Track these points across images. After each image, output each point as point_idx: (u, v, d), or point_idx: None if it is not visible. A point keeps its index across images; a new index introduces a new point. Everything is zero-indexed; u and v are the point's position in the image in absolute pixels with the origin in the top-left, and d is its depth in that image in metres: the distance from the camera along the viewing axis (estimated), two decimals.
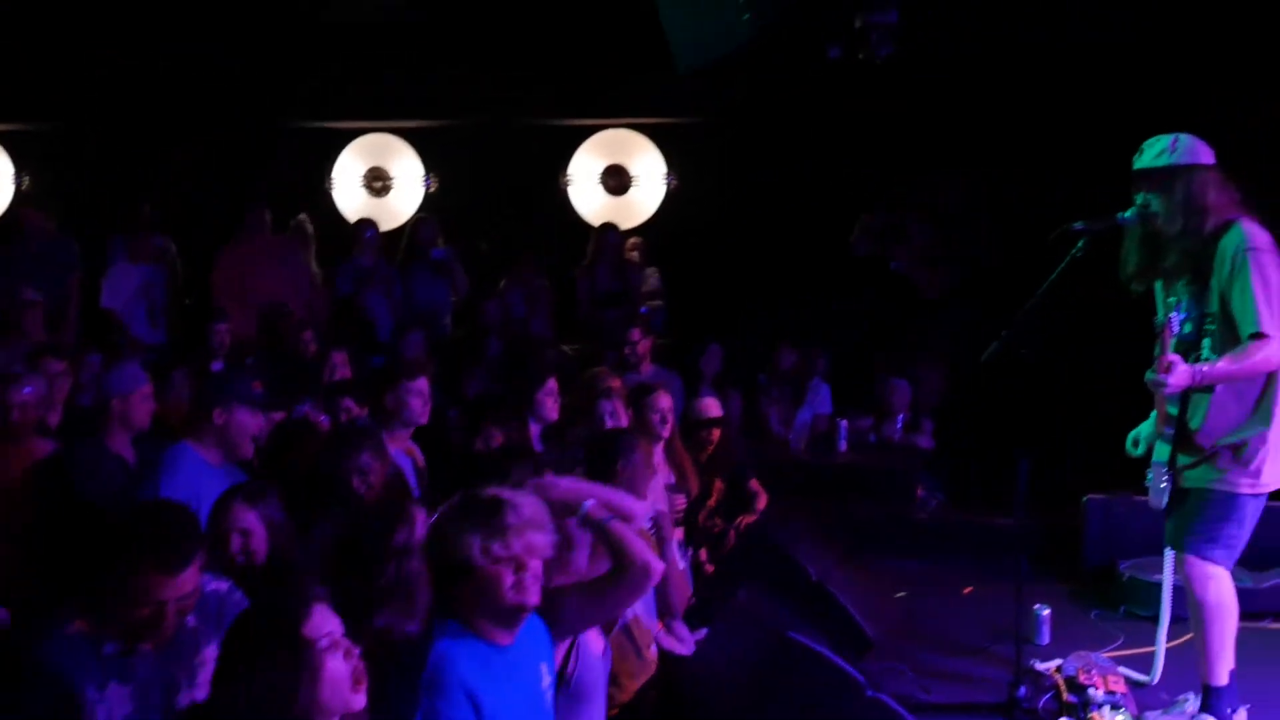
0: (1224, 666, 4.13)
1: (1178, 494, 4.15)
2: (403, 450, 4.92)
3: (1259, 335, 3.86)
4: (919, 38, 7.10)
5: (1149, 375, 4.00)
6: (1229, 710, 4.15)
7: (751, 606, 4.38)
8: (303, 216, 8.63)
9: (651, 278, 9.10)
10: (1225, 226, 3.95)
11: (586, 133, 10.04)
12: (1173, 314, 3.97)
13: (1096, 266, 4.20)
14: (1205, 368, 3.95)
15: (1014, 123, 7.78)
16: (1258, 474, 3.98)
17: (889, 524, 6.35)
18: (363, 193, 10.13)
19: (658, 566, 3.15)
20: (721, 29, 5.81)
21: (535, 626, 2.92)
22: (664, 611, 4.58)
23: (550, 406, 5.48)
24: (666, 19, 5.85)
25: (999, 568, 5.82)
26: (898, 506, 6.48)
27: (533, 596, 2.73)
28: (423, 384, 4.97)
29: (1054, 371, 4.31)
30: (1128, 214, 4.13)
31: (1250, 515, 4.05)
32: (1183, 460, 4.10)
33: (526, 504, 2.77)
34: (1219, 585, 4.09)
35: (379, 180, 10.15)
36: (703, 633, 4.60)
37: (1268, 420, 3.97)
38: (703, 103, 9.11)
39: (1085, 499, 5.94)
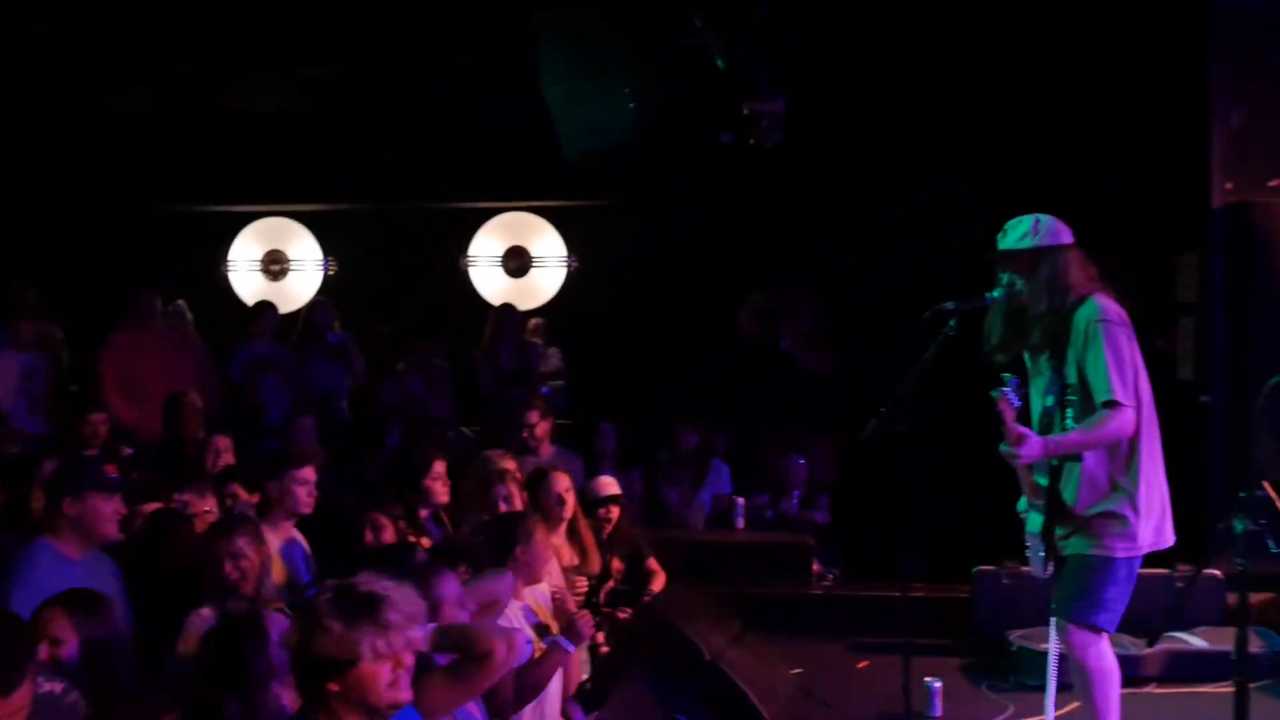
0: None
1: (1059, 562, 4.24)
2: (285, 540, 4.82)
3: (1112, 403, 4.00)
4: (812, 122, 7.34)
5: (1002, 447, 4.12)
6: None
7: (645, 689, 4.35)
8: (180, 302, 8.51)
9: (553, 358, 9.13)
10: (1080, 301, 4.12)
11: (487, 215, 10.10)
12: (1006, 388, 4.05)
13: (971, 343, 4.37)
14: (1057, 439, 4.09)
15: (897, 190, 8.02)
16: (1133, 537, 4.09)
17: (786, 601, 6.38)
18: (260, 276, 10.04)
19: (502, 655, 3.17)
20: (608, 117, 5.94)
21: (407, 715, 2.87)
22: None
23: (439, 491, 5.42)
24: (554, 107, 5.97)
25: (892, 642, 5.93)
26: (795, 583, 6.51)
27: (406, 693, 2.69)
28: (308, 473, 4.88)
29: (937, 445, 4.40)
30: (995, 293, 4.28)
31: (1127, 577, 4.14)
32: (1059, 530, 4.20)
33: (404, 598, 2.73)
34: (1100, 651, 4.17)
35: (276, 264, 10.07)
36: (595, 716, 4.56)
37: (1135, 484, 4.09)
38: (602, 185, 9.25)
39: (974, 571, 6.03)
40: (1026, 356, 4.35)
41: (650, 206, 9.34)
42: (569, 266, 10.07)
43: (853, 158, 7.94)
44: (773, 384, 7.72)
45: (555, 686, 4.26)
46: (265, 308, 8.40)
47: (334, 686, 2.63)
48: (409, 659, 2.68)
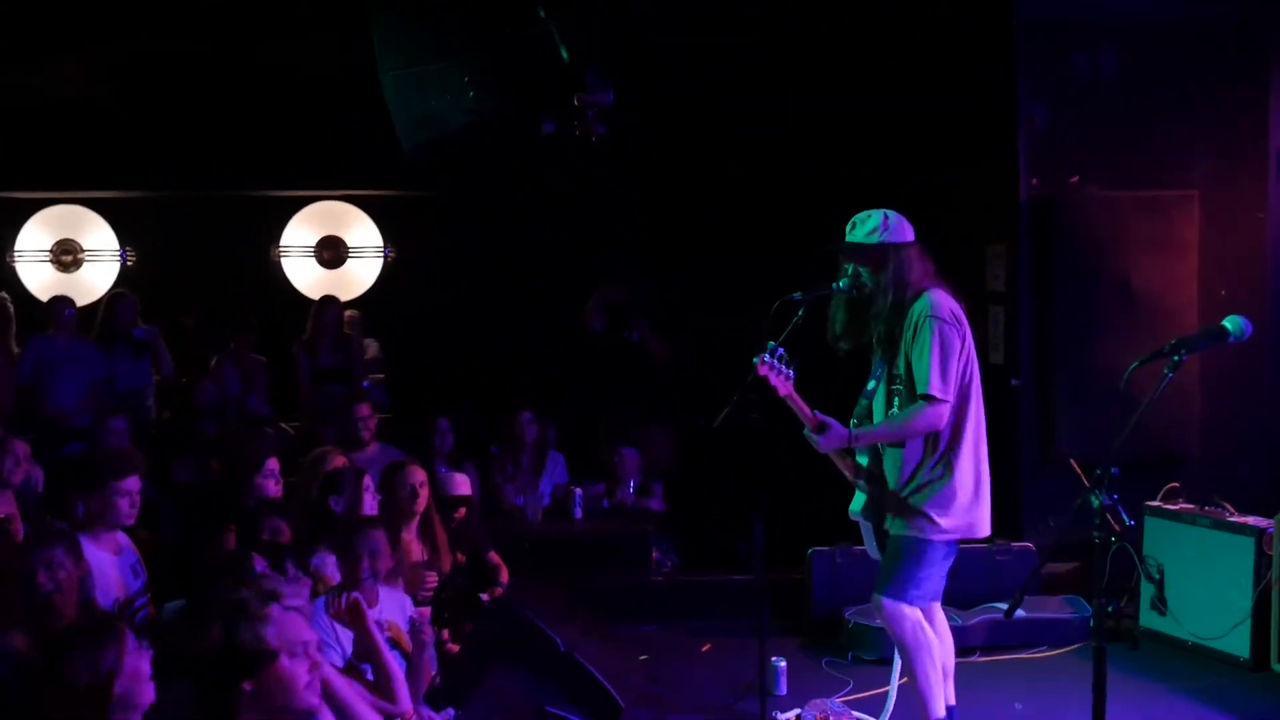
0: (937, 700, 4.38)
1: (883, 541, 4.41)
2: (109, 550, 4.51)
3: (928, 398, 4.19)
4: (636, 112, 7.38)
5: (806, 433, 4.27)
6: None
7: (505, 682, 4.31)
8: (3, 294, 7.90)
9: (371, 349, 8.92)
10: (916, 296, 4.29)
11: (299, 204, 9.76)
12: (765, 354, 4.14)
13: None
14: (864, 430, 4.31)
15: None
16: (944, 523, 4.26)
17: (627, 589, 6.43)
18: (50, 267, 9.40)
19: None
20: (445, 107, 5.82)
21: None
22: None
23: (272, 489, 5.22)
24: (392, 97, 5.80)
25: (733, 624, 6.08)
26: (634, 571, 6.57)
27: (316, 698, 2.59)
28: (132, 482, 4.54)
29: (777, 430, 4.51)
30: (841, 283, 4.41)
31: (939, 559, 4.33)
32: (888, 511, 4.36)
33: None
34: (914, 624, 4.34)
35: (68, 254, 9.45)
36: (449, 713, 4.48)
37: (950, 472, 4.27)
38: (417, 175, 9.06)
39: (810, 551, 6.22)
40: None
41: (469, 196, 9.23)
42: (385, 257, 9.84)
43: (680, 148, 8.03)
44: (615, 374, 7.74)
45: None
46: (60, 302, 7.85)
47: (248, 685, 2.50)
48: (317, 666, 2.59)
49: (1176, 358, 3.17)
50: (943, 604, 4.56)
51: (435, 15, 5.81)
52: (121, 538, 4.72)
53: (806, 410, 4.27)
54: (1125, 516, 3.22)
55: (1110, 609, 5.85)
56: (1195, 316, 6.34)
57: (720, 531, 6.98)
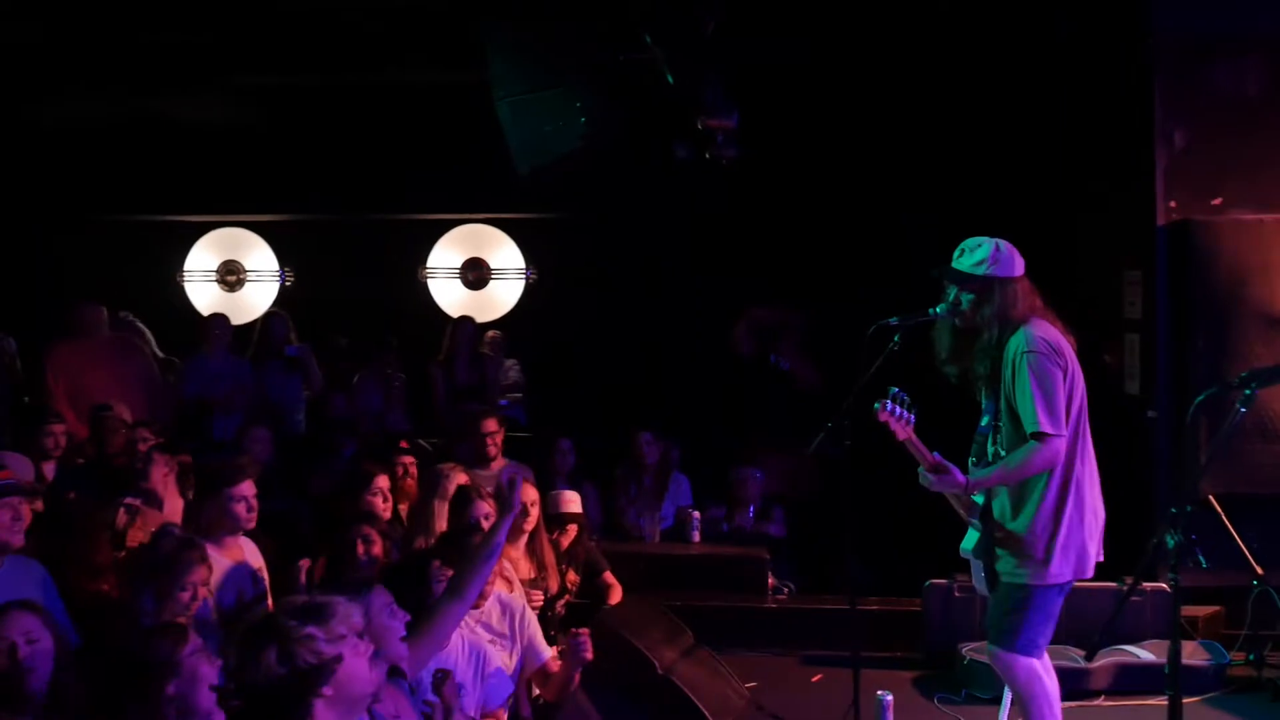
0: None
1: (993, 583, 4.28)
2: (229, 557, 4.77)
3: (1040, 435, 4.04)
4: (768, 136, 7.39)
5: (920, 472, 4.19)
6: None
7: (593, 703, 4.37)
8: (125, 313, 8.44)
9: (511, 370, 9.14)
10: (1014, 330, 4.16)
11: (446, 227, 10.10)
12: (888, 400, 4.06)
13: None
14: (979, 477, 4.19)
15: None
16: (1048, 566, 4.12)
17: (741, 614, 6.41)
18: (216, 287, 9.99)
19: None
20: (558, 131, 5.96)
21: None
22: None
23: (380, 506, 5.40)
24: (504, 121, 5.99)
25: (847, 655, 5.98)
26: (750, 596, 6.55)
27: (380, 673, 2.74)
28: (246, 488, 4.80)
29: (888, 459, 4.44)
30: (940, 308, 4.32)
31: (1047, 606, 4.17)
32: (998, 551, 4.24)
33: (338, 601, 2.78)
34: (1029, 674, 4.20)
35: (233, 274, 10.02)
36: None
37: (1056, 514, 4.12)
38: (561, 198, 9.27)
39: (925, 584, 6.09)
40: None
41: (608, 219, 9.39)
42: (527, 279, 10.08)
43: (809, 173, 8.01)
44: (760, 399, 7.75)
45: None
46: (218, 319, 8.33)
47: (326, 691, 2.64)
48: (370, 643, 2.73)
49: (1249, 391, 3.00)
50: (1069, 644, 4.40)
51: (546, 42, 5.97)
52: (248, 545, 4.99)
53: (926, 452, 4.18)
54: (1202, 559, 3.06)
55: (1250, 657, 5.69)
56: None
57: (836, 560, 6.88)
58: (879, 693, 5.20)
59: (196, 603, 4.04)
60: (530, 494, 5.44)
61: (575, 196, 9.05)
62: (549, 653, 4.65)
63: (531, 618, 4.73)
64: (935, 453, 4.18)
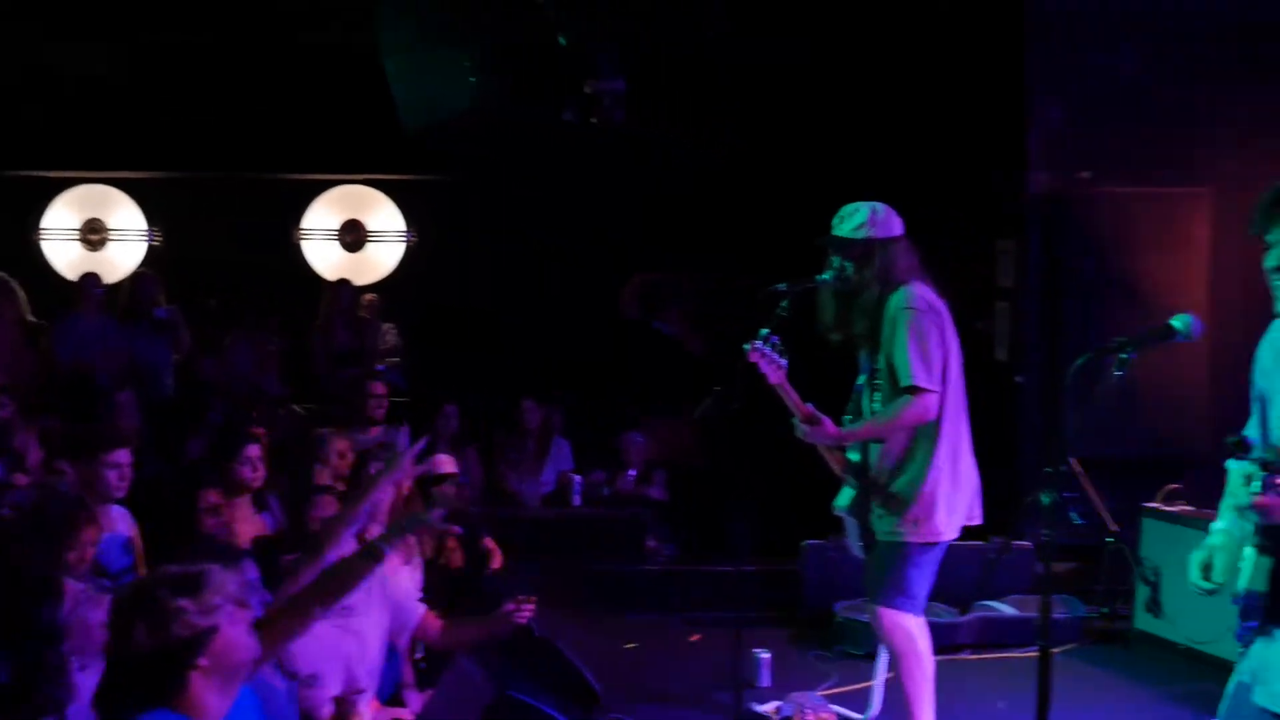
0: (924, 711, 4.31)
1: (871, 541, 4.36)
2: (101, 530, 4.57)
3: (913, 389, 4.12)
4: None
5: (794, 423, 4.24)
6: None
7: (474, 666, 4.34)
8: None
9: (389, 334, 8.99)
10: (895, 288, 4.23)
11: (322, 187, 9.85)
12: (759, 341, 4.13)
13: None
14: (852, 428, 4.27)
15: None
16: (927, 524, 4.20)
17: (620, 576, 6.44)
18: (77, 246, 9.57)
19: None
20: (448, 91, 5.86)
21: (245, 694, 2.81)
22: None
23: (249, 477, 5.24)
24: (392, 77, 5.86)
25: (727, 615, 6.07)
26: (629, 558, 6.58)
27: (258, 643, 2.65)
28: (122, 455, 4.62)
29: (769, 421, 4.49)
30: (826, 275, 4.37)
31: (927, 563, 4.26)
32: (874, 508, 4.31)
33: (212, 568, 2.68)
34: (906, 633, 4.28)
35: (95, 233, 9.61)
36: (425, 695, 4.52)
37: (930, 472, 4.19)
38: (445, 159, 9.12)
39: (803, 544, 6.20)
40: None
41: (493, 181, 9.28)
42: (408, 241, 9.91)
43: (695, 136, 8.01)
44: (646, 363, 7.76)
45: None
46: (90, 279, 7.99)
47: (202, 663, 2.55)
48: (248, 612, 2.65)
49: (1124, 355, 3.10)
50: (937, 602, 4.51)
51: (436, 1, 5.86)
52: (119, 514, 4.81)
53: (798, 400, 4.24)
54: (1075, 516, 3.16)
55: (1105, 610, 5.94)
56: (1205, 316, 6.22)
57: (719, 522, 6.96)
58: (755, 650, 5.30)
59: (85, 564, 3.88)
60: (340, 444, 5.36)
61: (460, 158, 8.94)
62: (420, 610, 4.57)
63: (399, 579, 4.66)
64: (809, 404, 4.24)
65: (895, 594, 4.25)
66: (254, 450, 5.13)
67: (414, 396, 8.29)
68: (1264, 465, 2.41)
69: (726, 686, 5.11)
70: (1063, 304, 6.43)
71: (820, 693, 5.10)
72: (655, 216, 8.62)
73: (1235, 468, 2.80)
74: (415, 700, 4.63)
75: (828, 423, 4.23)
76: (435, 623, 4.49)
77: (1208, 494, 5.95)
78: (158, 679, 2.54)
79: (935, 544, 4.26)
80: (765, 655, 5.29)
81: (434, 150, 7.28)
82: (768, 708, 4.88)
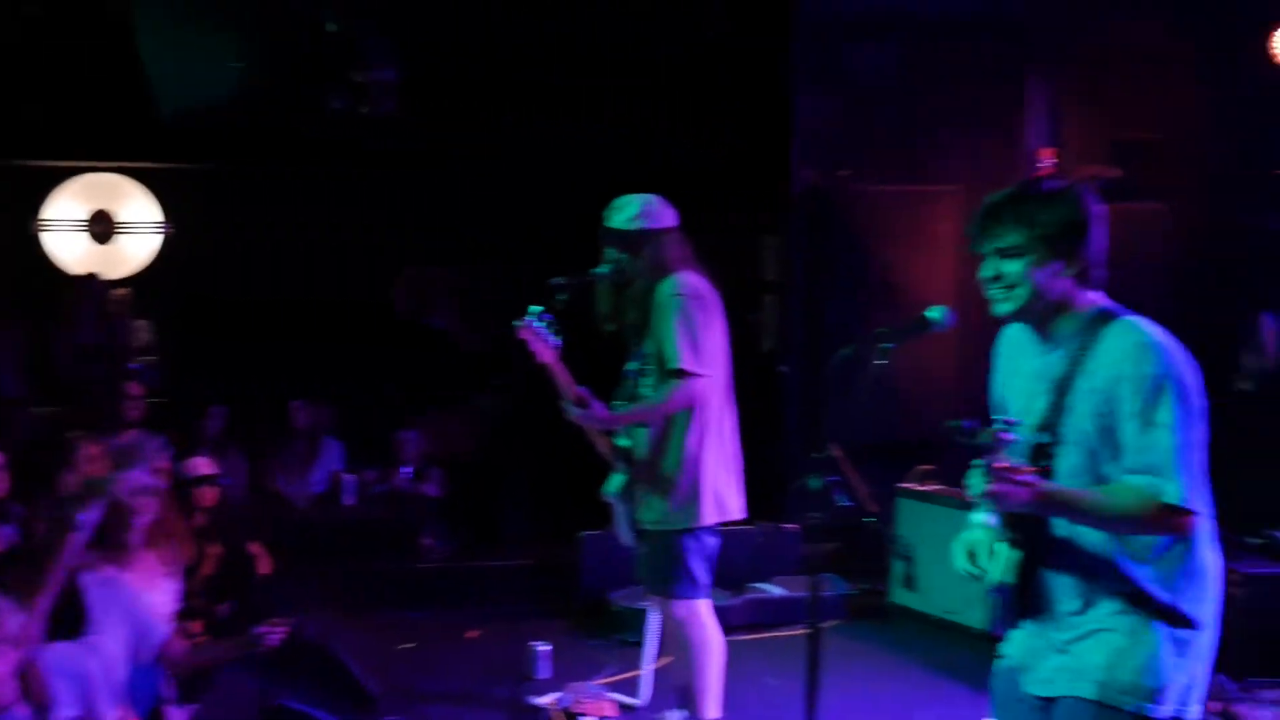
0: (713, 701, 4.36)
1: (641, 532, 4.40)
2: None
3: (679, 372, 4.20)
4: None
5: (563, 404, 4.27)
6: None
7: (242, 676, 4.16)
8: None
9: (141, 331, 8.50)
10: (665, 276, 4.29)
11: (67, 174, 9.20)
12: (529, 318, 4.18)
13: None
14: (622, 411, 4.31)
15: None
16: (695, 508, 4.26)
17: (395, 576, 6.32)
18: None
19: None
20: (210, 75, 5.57)
21: None
22: None
23: None
24: (148, 58, 5.52)
25: (503, 610, 6.06)
26: (403, 557, 6.47)
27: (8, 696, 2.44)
28: None
29: (546, 413, 4.49)
30: (603, 268, 4.40)
31: (700, 548, 4.32)
32: (646, 499, 4.35)
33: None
34: (699, 622, 4.33)
35: None
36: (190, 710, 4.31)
37: (695, 459, 4.25)
38: (204, 147, 8.67)
39: (581, 535, 6.24)
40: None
41: (257, 170, 8.89)
42: (164, 233, 9.37)
43: (466, 126, 7.91)
44: (420, 359, 7.61)
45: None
46: None
47: None
48: (15, 654, 2.45)
49: (886, 345, 3.25)
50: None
51: None
52: None
53: (569, 380, 4.24)
54: (841, 499, 3.29)
55: (865, 587, 6.25)
56: (954, 307, 6.62)
57: (491, 516, 6.94)
58: (533, 644, 5.30)
59: None
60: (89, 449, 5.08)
61: (222, 145, 8.52)
62: (165, 630, 4.34)
63: (151, 593, 4.42)
64: (582, 387, 4.25)
65: (674, 583, 4.29)
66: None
67: (174, 397, 7.88)
68: (981, 451, 2.51)
69: (505, 681, 5.11)
70: (824, 297, 6.70)
71: (598, 682, 5.15)
72: (426, 209, 8.48)
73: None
74: (178, 716, 4.41)
75: (598, 405, 4.25)
76: (180, 644, 4.28)
77: (958, 474, 6.40)
78: None
79: (705, 527, 4.32)
80: (543, 648, 5.29)
81: (193, 137, 6.89)
82: (547, 699, 4.89)
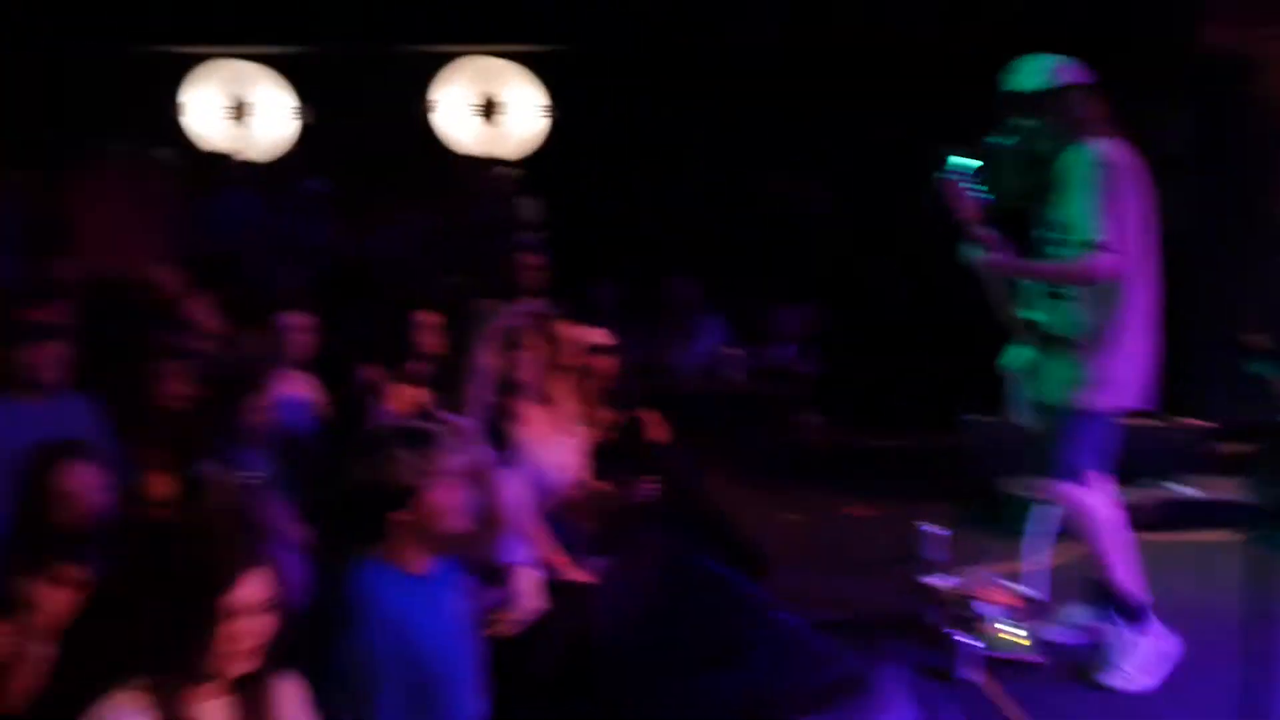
0: (1130, 580, 4.18)
1: (1039, 409, 4.20)
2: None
3: (1090, 244, 3.91)
4: None
5: (962, 249, 4.06)
6: (1145, 620, 4.18)
7: (651, 533, 4.38)
8: (167, 150, 8.20)
9: (530, 209, 8.94)
10: (1081, 141, 3.99)
11: (450, 59, 9.72)
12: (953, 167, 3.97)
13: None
14: (1028, 262, 4.06)
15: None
16: (1102, 390, 4.03)
17: (776, 449, 6.43)
18: (223, 123, 9.65)
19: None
20: None
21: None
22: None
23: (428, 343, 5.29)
24: None
25: (883, 489, 6.03)
26: (786, 432, 6.56)
27: (466, 521, 2.72)
28: (295, 319, 4.75)
29: (929, 298, 4.37)
30: (1003, 138, 4.15)
31: (1104, 430, 4.11)
32: (1044, 370, 4.13)
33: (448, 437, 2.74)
34: (1093, 501, 4.15)
35: (239, 109, 9.68)
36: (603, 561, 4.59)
37: (1114, 339, 4.02)
38: (584, 30, 8.88)
39: (964, 419, 6.08)
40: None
41: (635, 54, 8.98)
42: (548, 115, 9.75)
43: None
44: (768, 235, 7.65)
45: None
46: (230, 156, 8.07)
47: (403, 516, 2.64)
48: (464, 491, 2.71)
49: None
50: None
51: None
52: (299, 379, 4.91)
53: (989, 236, 4.05)
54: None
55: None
56: None
57: (873, 396, 6.88)
58: (923, 526, 5.18)
59: (264, 424, 4.04)
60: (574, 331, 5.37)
61: (602, 27, 8.70)
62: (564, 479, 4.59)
63: (547, 446, 4.70)
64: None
65: (1073, 467, 4.11)
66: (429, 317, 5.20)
67: (556, 275, 8.27)
68: None
69: (893, 561, 5.09)
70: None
71: (993, 569, 5.04)
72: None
73: None
74: (590, 566, 4.71)
75: (1006, 254, 4.03)
76: (583, 497, 4.54)
77: None
78: (362, 519, 2.64)
79: (1106, 412, 4.09)
80: (936, 530, 5.21)
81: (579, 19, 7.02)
82: (943, 582, 4.83)
